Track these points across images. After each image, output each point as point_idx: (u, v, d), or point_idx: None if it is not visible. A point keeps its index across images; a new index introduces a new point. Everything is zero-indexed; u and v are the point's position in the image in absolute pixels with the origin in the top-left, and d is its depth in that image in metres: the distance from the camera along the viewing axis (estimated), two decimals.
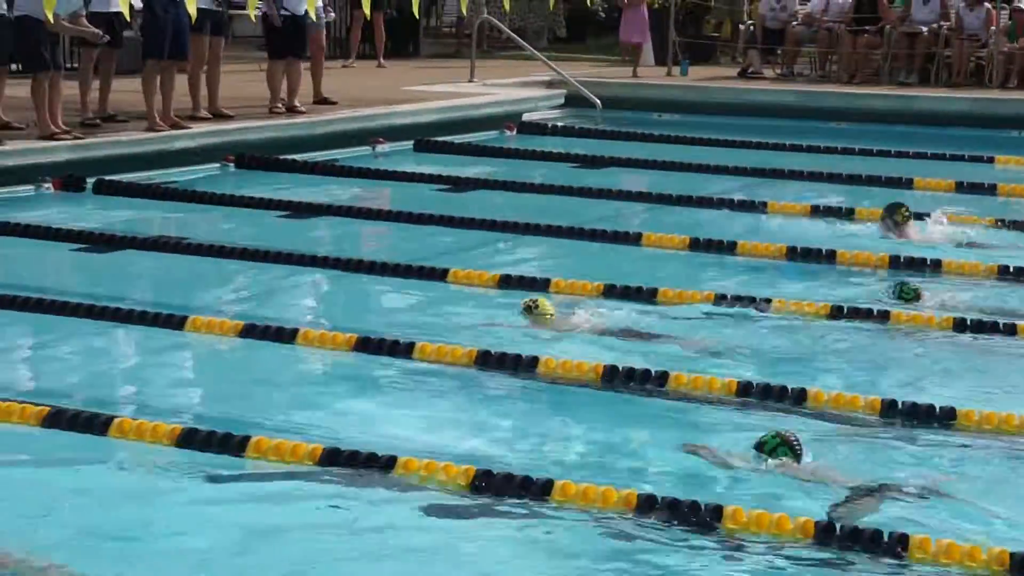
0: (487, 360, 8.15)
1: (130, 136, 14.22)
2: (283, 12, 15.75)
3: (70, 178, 13.13)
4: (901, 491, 6.37)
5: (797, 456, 6.58)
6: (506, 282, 10.01)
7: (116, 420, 6.88)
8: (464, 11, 20.07)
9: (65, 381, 7.88)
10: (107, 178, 13.24)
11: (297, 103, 16.26)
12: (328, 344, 8.44)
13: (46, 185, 13.03)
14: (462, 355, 8.21)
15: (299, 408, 7.51)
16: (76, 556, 5.60)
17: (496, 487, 6.29)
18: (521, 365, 8.08)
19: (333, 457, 6.52)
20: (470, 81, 20.29)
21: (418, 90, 18.69)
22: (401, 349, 8.30)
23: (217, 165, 14.57)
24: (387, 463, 6.45)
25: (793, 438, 6.65)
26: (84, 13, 13.87)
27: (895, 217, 11.87)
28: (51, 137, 13.49)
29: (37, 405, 7.07)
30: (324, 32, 17.70)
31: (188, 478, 6.44)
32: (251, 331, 8.59)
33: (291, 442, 6.64)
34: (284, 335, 8.53)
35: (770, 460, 6.57)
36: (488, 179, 14.50)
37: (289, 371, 8.16)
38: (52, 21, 13.07)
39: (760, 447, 6.63)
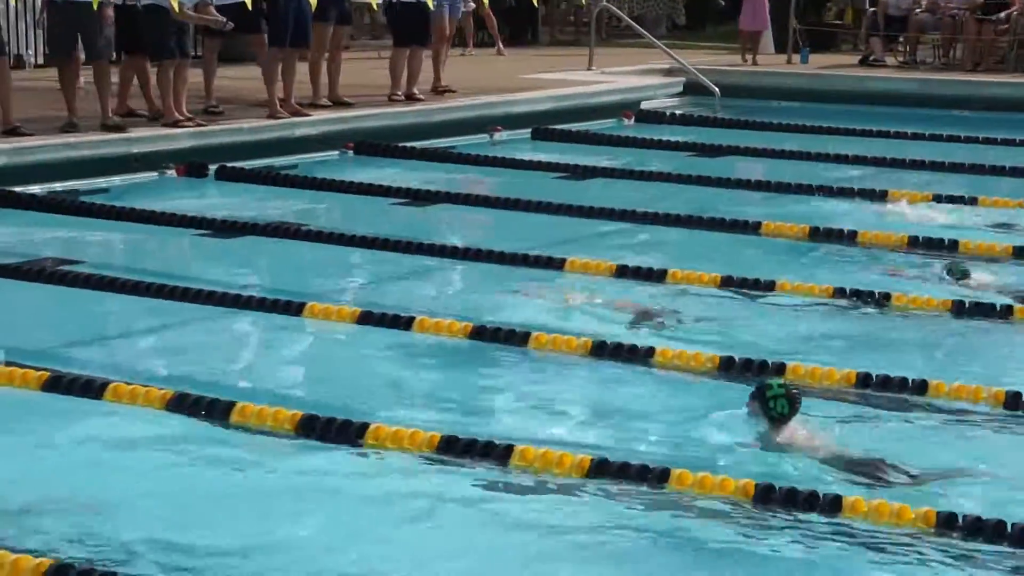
0: (603, 350, 8.16)
1: (252, 123, 14.39)
2: None
3: (193, 165, 13.32)
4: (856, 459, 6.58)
5: (793, 409, 6.63)
6: (623, 272, 9.99)
7: (238, 405, 6.98)
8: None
9: (186, 366, 7.99)
10: (229, 164, 13.42)
11: (416, 91, 16.33)
12: (444, 332, 8.48)
13: (170, 171, 13.23)
14: (578, 345, 8.22)
15: (416, 396, 7.56)
16: (197, 538, 5.71)
17: (612, 474, 6.29)
18: (637, 355, 8.08)
19: (450, 445, 6.56)
20: (588, 69, 20.26)
21: (536, 78, 18.70)
22: (517, 338, 8.33)
23: (337, 152, 14.70)
24: (504, 452, 6.48)
25: (796, 392, 6.70)
26: (212, 2, 14.03)
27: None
28: (175, 124, 13.69)
29: (160, 389, 7.19)
30: (452, 20, 17.65)
31: (305, 464, 6.52)
32: (368, 318, 8.66)
33: (408, 430, 6.69)
34: (400, 322, 8.58)
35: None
36: (606, 167, 14.47)
37: (405, 358, 8.21)
38: (177, 10, 13.26)
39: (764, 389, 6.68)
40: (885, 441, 6.90)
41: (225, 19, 14.03)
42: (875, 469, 6.50)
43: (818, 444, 6.67)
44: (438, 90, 16.91)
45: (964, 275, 9.92)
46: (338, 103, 15.61)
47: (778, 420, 6.68)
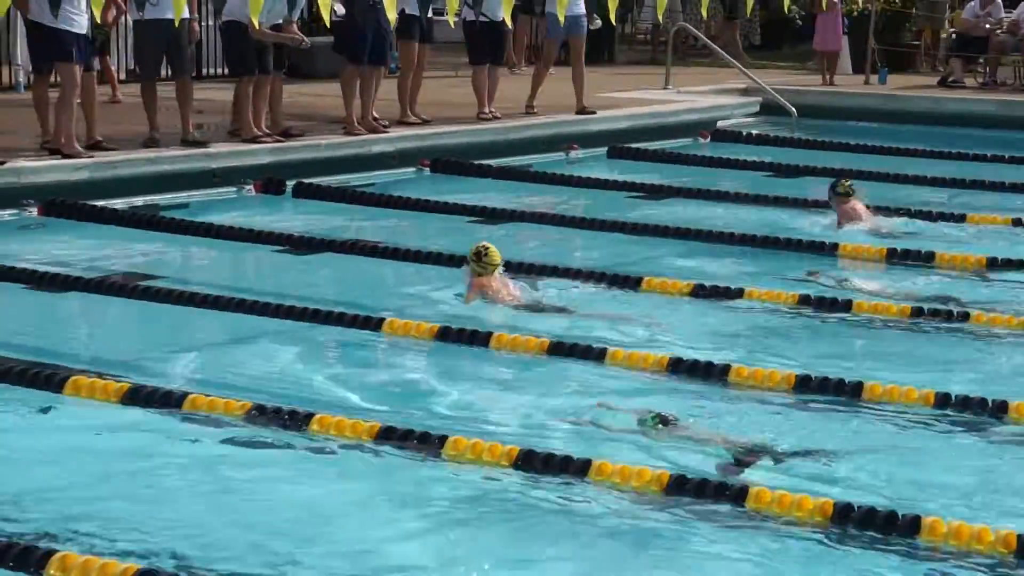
0: (678, 367, 8.16)
1: (329, 140, 14.49)
2: (482, 18, 15.89)
3: (271, 181, 13.43)
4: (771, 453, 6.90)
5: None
6: (699, 291, 9.97)
7: (316, 416, 7.04)
8: (660, 18, 20.01)
9: (265, 380, 8.04)
10: (306, 181, 13.52)
11: (493, 108, 16.39)
12: (520, 348, 8.50)
13: (247, 187, 13.35)
14: (653, 362, 8.22)
15: (494, 409, 7.58)
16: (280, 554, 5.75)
17: (693, 491, 6.34)
18: (713, 373, 8.07)
19: (528, 459, 6.58)
20: (665, 88, 20.27)
21: (612, 96, 18.72)
22: (594, 355, 8.34)
23: (413, 169, 14.78)
24: (582, 467, 6.49)
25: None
26: (295, 20, 14.14)
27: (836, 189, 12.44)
28: (254, 140, 13.81)
29: (239, 401, 7.26)
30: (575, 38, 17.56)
31: (386, 476, 6.56)
32: (445, 334, 8.70)
33: (487, 443, 6.72)
34: (478, 339, 8.62)
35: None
36: (681, 187, 14.45)
37: (482, 374, 8.23)
38: (257, 28, 13.39)
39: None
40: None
41: (303, 37, 14.14)
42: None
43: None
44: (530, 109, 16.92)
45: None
46: (406, 122, 15.56)
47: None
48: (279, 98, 14.42)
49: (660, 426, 7.13)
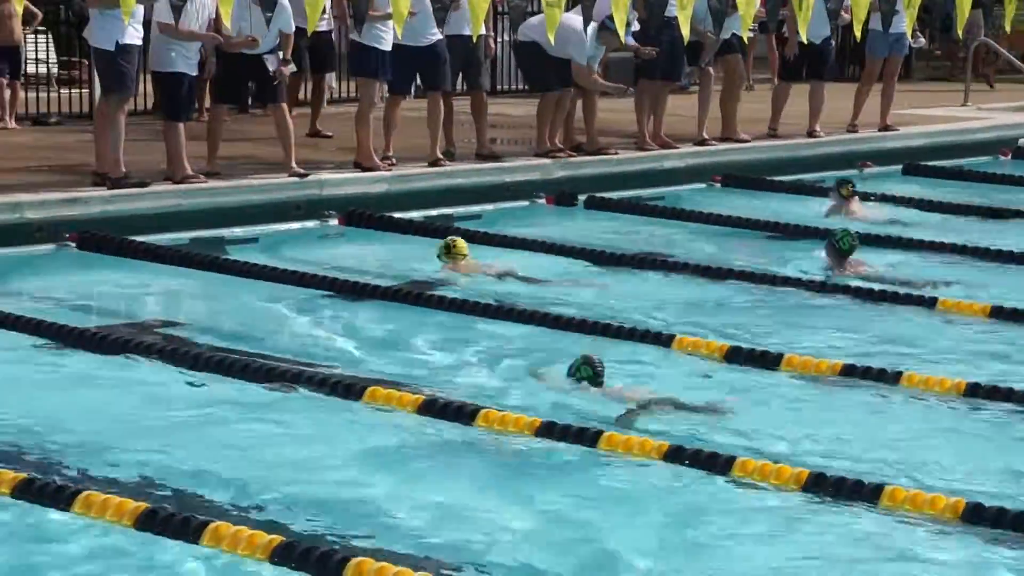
0: (976, 391, 7.97)
1: (621, 155, 14.57)
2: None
3: (563, 194, 13.57)
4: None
5: (598, 379, 7.69)
6: (998, 313, 9.72)
7: (605, 435, 7.08)
8: (959, 34, 19.52)
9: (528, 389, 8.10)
10: (598, 195, 13.62)
11: (818, 127, 16.25)
12: (811, 370, 8.41)
13: (540, 200, 13.52)
14: (950, 386, 8.05)
15: (784, 431, 7.50)
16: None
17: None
18: (1014, 397, 7.86)
19: (818, 482, 6.52)
20: (963, 105, 19.77)
21: (908, 113, 18.33)
22: (889, 377, 8.21)
23: (704, 185, 14.75)
24: (873, 492, 6.40)
25: (597, 362, 7.69)
26: (597, 68, 14.16)
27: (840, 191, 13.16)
28: (547, 155, 13.99)
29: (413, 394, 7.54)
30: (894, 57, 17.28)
31: (673, 494, 6.58)
32: (735, 354, 8.66)
33: (775, 465, 6.69)
34: (768, 360, 8.56)
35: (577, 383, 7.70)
36: (979, 205, 14.07)
37: (774, 396, 8.15)
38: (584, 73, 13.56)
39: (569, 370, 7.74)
40: None
41: (625, 86, 14.22)
42: None
43: None
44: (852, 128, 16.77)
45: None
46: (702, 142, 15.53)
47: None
48: (592, 114, 14.54)
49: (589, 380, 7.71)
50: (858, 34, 16.01)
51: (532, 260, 11.21)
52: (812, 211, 13.42)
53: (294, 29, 12.62)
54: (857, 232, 11.30)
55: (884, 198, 14.18)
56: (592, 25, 13.57)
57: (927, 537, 6.13)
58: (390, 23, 12.60)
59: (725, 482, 6.61)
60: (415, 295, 9.93)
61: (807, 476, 6.54)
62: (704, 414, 7.64)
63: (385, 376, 8.13)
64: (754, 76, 19.07)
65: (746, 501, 6.47)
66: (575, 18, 13.61)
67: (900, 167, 16.13)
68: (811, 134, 16.19)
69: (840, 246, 11.03)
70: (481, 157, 13.84)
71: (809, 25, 15.27)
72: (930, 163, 16.25)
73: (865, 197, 13.79)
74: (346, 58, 14.23)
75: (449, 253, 10.75)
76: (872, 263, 11.18)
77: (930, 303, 9.96)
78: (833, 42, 16.41)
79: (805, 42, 15.40)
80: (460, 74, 14.00)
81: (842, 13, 15.84)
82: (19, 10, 12.77)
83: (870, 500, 6.37)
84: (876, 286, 10.42)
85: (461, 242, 10.87)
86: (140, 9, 11.48)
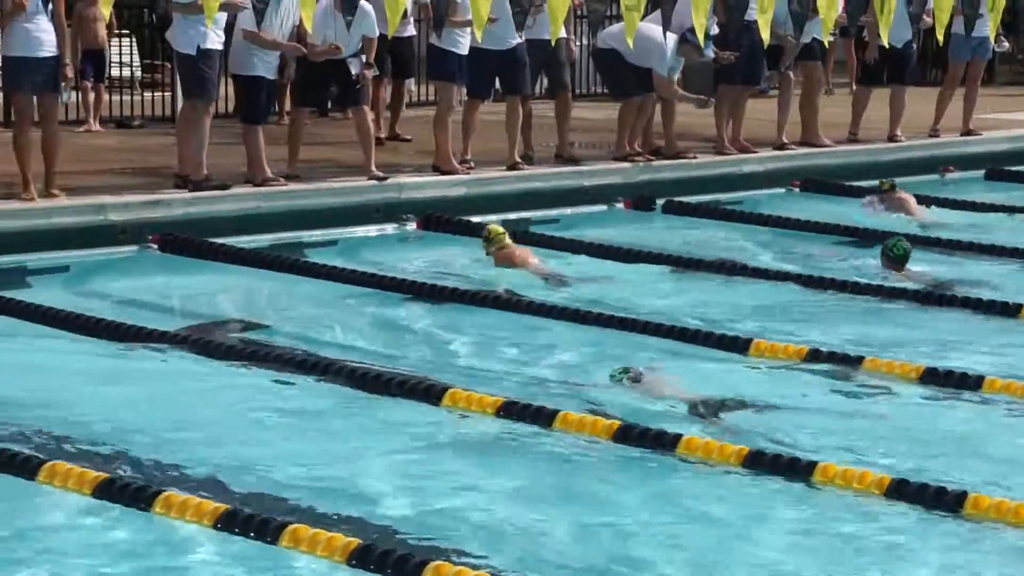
0: None
1: (700, 159, 14.53)
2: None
3: (642, 198, 13.54)
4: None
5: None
6: None
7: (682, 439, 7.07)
8: None
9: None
10: (676, 199, 13.57)
11: (899, 132, 16.12)
12: (895, 372, 8.37)
13: (619, 204, 13.50)
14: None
15: (867, 435, 7.45)
16: None
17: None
18: None
19: (901, 488, 6.46)
20: None
21: (991, 118, 18.16)
22: (970, 383, 8.15)
23: (783, 189, 14.67)
24: (957, 500, 6.33)
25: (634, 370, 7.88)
26: (676, 78, 14.11)
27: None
28: (626, 159, 13.97)
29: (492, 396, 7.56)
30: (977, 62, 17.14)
31: (756, 499, 6.56)
32: (815, 356, 8.61)
33: (858, 470, 6.64)
34: (850, 362, 8.52)
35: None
36: None
37: (853, 399, 8.11)
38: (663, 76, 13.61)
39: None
40: None
41: (706, 98, 14.22)
42: None
43: None
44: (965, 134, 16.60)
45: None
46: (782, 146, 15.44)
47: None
48: (670, 118, 14.54)
49: (628, 380, 7.81)
50: (940, 38, 15.89)
51: (605, 266, 11.22)
52: (891, 217, 13.31)
53: (378, 33, 12.68)
54: (903, 236, 11.33)
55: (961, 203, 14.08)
56: (672, 37, 13.52)
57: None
58: (467, 28, 12.64)
59: (804, 488, 6.56)
60: (492, 298, 9.94)
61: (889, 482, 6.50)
62: (777, 415, 7.59)
63: (462, 378, 8.14)
64: (833, 80, 18.95)
65: (829, 506, 6.44)
66: (655, 28, 13.54)
67: (983, 172, 15.96)
68: (892, 139, 16.09)
69: (894, 253, 10.97)
70: (560, 159, 13.85)
71: (890, 29, 15.15)
72: (1015, 168, 16.08)
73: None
74: (424, 62, 14.28)
75: (488, 240, 10.77)
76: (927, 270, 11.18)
77: (1015, 310, 9.85)
78: (915, 46, 16.28)
79: (887, 46, 15.30)
80: (539, 78, 14.01)
81: (924, 17, 15.72)
82: (106, 14, 12.90)
83: (953, 508, 6.31)
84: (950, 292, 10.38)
85: (494, 226, 10.97)
86: (223, 14, 11.58)
